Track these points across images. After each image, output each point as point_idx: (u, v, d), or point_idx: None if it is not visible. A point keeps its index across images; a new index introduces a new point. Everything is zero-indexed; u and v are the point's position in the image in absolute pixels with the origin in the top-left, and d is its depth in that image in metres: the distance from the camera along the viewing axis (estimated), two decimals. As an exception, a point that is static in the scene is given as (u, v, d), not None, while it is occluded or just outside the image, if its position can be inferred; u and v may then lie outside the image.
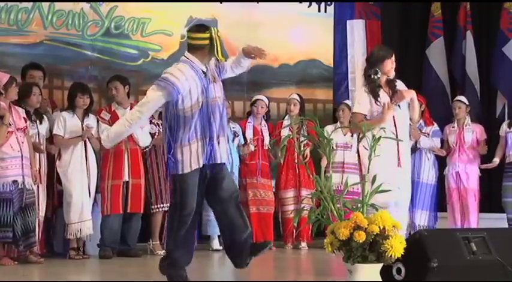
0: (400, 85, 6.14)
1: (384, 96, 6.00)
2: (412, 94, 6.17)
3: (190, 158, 5.02)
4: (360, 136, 5.63)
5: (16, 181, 6.71)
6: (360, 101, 6.03)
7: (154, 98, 5.07)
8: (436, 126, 8.60)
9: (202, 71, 5.10)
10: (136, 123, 5.19)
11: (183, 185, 5.08)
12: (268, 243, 5.20)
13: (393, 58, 6.10)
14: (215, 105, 5.08)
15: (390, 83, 6.06)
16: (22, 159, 6.73)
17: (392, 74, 6.08)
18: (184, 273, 5.09)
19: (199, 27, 5.29)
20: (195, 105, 5.02)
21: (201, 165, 5.03)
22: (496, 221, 8.38)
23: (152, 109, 5.24)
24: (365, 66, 6.16)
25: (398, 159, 5.86)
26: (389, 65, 6.03)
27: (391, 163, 5.79)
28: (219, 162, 5.10)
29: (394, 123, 5.91)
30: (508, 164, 8.29)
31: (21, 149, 6.74)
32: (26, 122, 6.88)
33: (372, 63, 6.06)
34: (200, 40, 5.11)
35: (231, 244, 5.18)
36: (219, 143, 5.08)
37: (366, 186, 4.78)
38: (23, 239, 6.74)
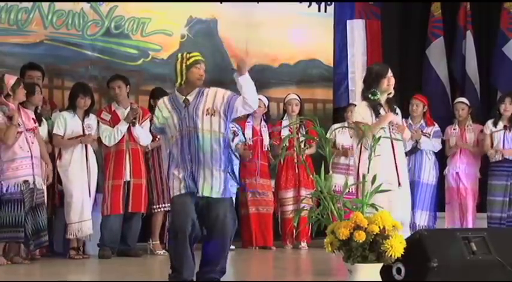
0: (399, 117, 6.14)
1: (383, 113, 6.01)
2: (408, 137, 6.37)
3: (179, 184, 5.00)
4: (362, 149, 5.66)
5: (27, 181, 6.75)
6: (362, 114, 6.00)
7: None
8: (437, 127, 8.59)
9: (183, 101, 5.06)
10: None
11: (173, 206, 5.15)
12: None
13: (389, 74, 6.00)
14: (202, 138, 4.98)
15: (389, 104, 6.05)
16: (32, 159, 6.78)
17: (390, 90, 6.04)
18: None
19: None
20: (174, 136, 5.04)
21: (187, 191, 4.97)
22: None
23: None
24: (362, 87, 6.14)
25: (395, 159, 5.86)
26: (386, 83, 5.98)
27: (389, 163, 5.79)
28: (206, 195, 4.98)
29: (392, 147, 5.92)
30: (494, 163, 8.30)
31: (30, 149, 6.79)
32: (35, 122, 6.92)
33: (369, 84, 6.04)
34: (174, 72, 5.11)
35: (199, 268, 5.15)
36: (205, 176, 4.97)
37: (366, 186, 4.78)
38: (33, 238, 6.80)
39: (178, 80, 5.08)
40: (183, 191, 4.99)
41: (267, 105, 8.64)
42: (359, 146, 5.77)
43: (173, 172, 5.03)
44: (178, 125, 5.02)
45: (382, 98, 6.00)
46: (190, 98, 5.06)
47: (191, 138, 4.98)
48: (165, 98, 5.18)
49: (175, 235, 4.99)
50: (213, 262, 5.06)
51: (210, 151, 4.98)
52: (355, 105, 8.53)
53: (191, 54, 5.11)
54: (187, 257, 4.96)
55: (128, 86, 7.75)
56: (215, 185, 4.99)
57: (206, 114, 5.01)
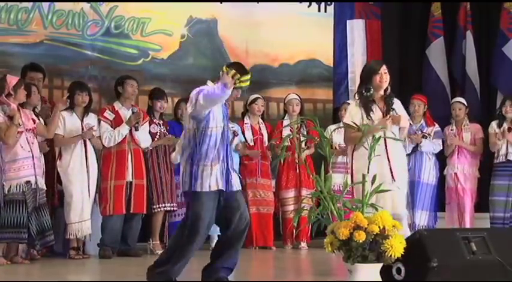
0: (397, 104, 6.13)
1: (376, 111, 6.00)
2: (407, 125, 6.25)
3: (209, 178, 4.99)
4: (356, 146, 5.68)
5: (29, 181, 6.77)
6: (352, 113, 6.04)
7: None
8: (437, 127, 8.59)
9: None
10: None
11: (197, 202, 5.00)
12: None
13: (382, 70, 6.00)
14: (228, 135, 5.16)
15: (387, 100, 6.05)
16: (33, 160, 6.80)
17: (384, 86, 6.04)
18: None
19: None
20: (213, 128, 5.01)
21: (219, 188, 5.01)
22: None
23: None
24: (359, 83, 6.18)
25: (388, 159, 5.86)
26: (378, 80, 6.00)
27: (381, 159, 5.79)
28: (235, 189, 5.11)
29: (385, 145, 5.92)
30: (498, 163, 8.31)
31: (31, 149, 6.80)
32: (34, 122, 6.93)
33: (362, 80, 6.09)
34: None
35: (208, 267, 5.18)
36: (234, 171, 5.16)
37: (366, 186, 4.77)
38: (39, 238, 6.82)
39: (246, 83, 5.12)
40: (213, 189, 4.99)
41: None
42: (349, 146, 5.82)
43: (205, 164, 4.98)
44: (220, 122, 5.06)
45: (377, 95, 6.00)
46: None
47: (224, 135, 5.07)
48: None
49: (192, 234, 4.95)
50: (231, 254, 5.12)
51: (229, 148, 5.17)
52: (349, 104, 8.60)
53: (245, 78, 5.07)
54: (188, 256, 4.99)
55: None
56: (236, 178, 5.15)
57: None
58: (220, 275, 5.11)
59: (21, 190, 6.73)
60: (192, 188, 4.98)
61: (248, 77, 5.08)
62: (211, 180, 4.98)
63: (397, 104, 6.13)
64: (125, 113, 7.61)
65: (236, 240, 5.13)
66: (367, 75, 6.04)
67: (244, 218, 5.11)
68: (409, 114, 8.43)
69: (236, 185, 5.12)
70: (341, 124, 8.46)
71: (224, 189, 5.01)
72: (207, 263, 5.17)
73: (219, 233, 5.55)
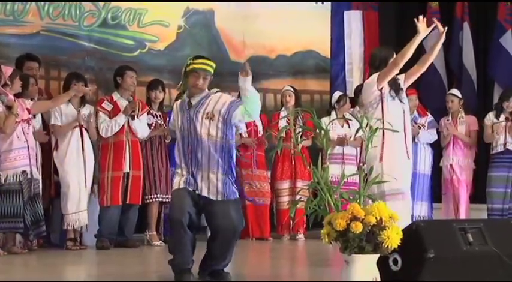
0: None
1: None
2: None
3: (179, 180, 5.08)
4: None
5: (25, 171, 6.79)
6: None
7: None
8: (430, 117, 8.62)
9: (187, 103, 5.11)
10: None
11: (171, 199, 5.24)
12: (227, 276, 5.13)
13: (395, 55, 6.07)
14: (200, 141, 5.02)
15: (395, 85, 6.06)
16: (28, 150, 6.82)
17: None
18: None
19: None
20: (178, 135, 5.15)
21: (184, 186, 5.03)
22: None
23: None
24: (370, 70, 6.15)
25: (407, 151, 5.91)
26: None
27: (402, 155, 5.85)
28: (204, 195, 5.02)
29: (404, 118, 5.94)
30: (495, 154, 8.31)
31: (27, 140, 6.83)
32: (29, 113, 6.92)
33: (376, 67, 6.04)
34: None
35: (204, 258, 5.18)
36: (203, 177, 5.02)
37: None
38: (33, 228, 6.84)
39: (180, 83, 5.21)
40: (182, 186, 5.04)
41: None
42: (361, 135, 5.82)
43: (176, 171, 5.16)
44: (181, 127, 5.10)
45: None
46: (194, 101, 5.11)
47: (190, 140, 5.05)
48: (179, 100, 5.25)
49: (172, 225, 5.06)
50: (219, 258, 5.11)
51: (207, 154, 5.03)
52: (347, 96, 8.62)
53: (194, 61, 5.13)
54: (183, 245, 4.97)
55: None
56: (212, 188, 5.02)
57: (206, 118, 5.05)
58: (215, 267, 5.12)
59: (17, 180, 6.75)
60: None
61: (200, 60, 5.12)
62: (179, 181, 5.06)
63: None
64: (123, 103, 7.60)
65: (213, 240, 5.08)
66: (383, 61, 6.00)
67: (217, 226, 5.04)
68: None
69: (203, 190, 5.01)
70: (334, 116, 8.50)
71: (193, 189, 5.01)
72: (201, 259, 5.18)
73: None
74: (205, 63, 5.13)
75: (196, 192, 5.02)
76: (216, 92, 5.20)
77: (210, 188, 5.02)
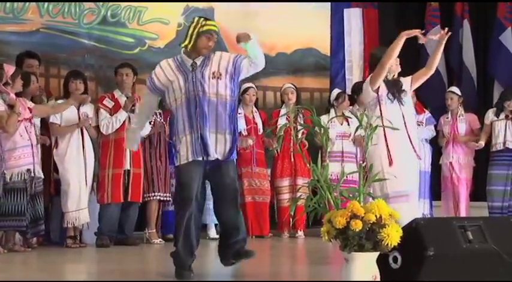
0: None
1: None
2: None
3: (186, 150, 4.99)
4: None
5: (29, 170, 6.80)
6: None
7: (144, 97, 5.52)
8: (428, 113, 8.63)
9: (191, 65, 5.06)
10: (139, 124, 5.54)
11: (179, 176, 5.12)
12: (252, 254, 5.12)
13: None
14: (206, 101, 4.97)
15: (396, 84, 6.04)
16: (32, 148, 6.83)
17: (398, 70, 6.06)
18: (184, 268, 5.06)
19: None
20: (178, 99, 5.02)
21: (195, 158, 4.97)
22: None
23: (147, 108, 5.43)
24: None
25: (415, 151, 5.91)
26: (394, 64, 6.01)
27: (410, 156, 5.86)
28: (212, 158, 5.00)
29: (404, 120, 5.93)
30: (495, 152, 8.31)
31: (30, 138, 6.84)
32: (31, 112, 6.93)
33: (375, 67, 6.04)
34: (186, 33, 5.15)
35: (220, 243, 5.19)
36: (211, 138, 4.97)
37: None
38: (31, 226, 6.85)
39: (186, 43, 5.10)
40: (190, 159, 4.98)
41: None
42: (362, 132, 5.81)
43: (180, 136, 5.02)
44: (184, 88, 5.01)
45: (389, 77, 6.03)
46: (198, 61, 5.07)
47: (198, 102, 4.97)
48: (169, 60, 5.14)
49: (180, 204, 5.01)
50: (234, 228, 5.07)
51: (215, 115, 4.99)
52: (346, 94, 8.60)
53: (207, 22, 5.13)
54: (187, 233, 4.97)
55: (135, 77, 7.73)
56: (220, 148, 5.00)
57: (212, 78, 5.02)
58: (237, 247, 5.10)
59: (22, 178, 6.77)
60: (174, 164, 5.18)
61: (211, 22, 5.17)
62: (187, 152, 4.98)
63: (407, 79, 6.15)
64: (124, 100, 7.60)
65: (223, 209, 5.07)
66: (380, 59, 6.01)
67: (224, 189, 5.04)
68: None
69: (213, 153, 4.97)
70: (333, 114, 8.49)
71: (201, 159, 4.97)
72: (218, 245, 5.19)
73: (216, 223, 5.56)
74: (215, 25, 5.17)
75: (205, 159, 4.97)
76: (214, 52, 5.18)
77: (218, 149, 4.99)
